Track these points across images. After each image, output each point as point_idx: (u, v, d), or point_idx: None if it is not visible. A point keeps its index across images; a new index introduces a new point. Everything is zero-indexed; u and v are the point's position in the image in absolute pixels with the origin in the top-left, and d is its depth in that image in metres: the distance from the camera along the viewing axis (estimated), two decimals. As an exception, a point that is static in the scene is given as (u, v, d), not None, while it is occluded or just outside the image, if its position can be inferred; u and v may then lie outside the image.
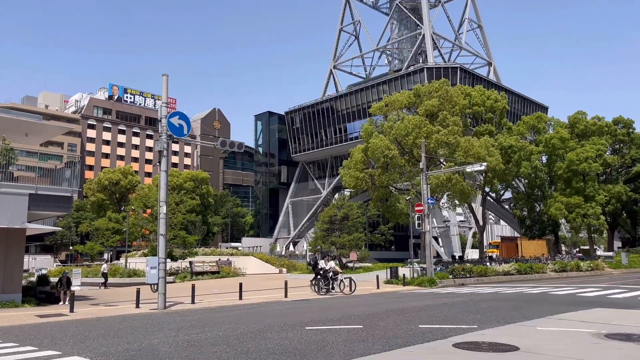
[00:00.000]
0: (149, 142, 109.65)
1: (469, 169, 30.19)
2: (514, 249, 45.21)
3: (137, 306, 17.63)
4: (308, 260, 39.52)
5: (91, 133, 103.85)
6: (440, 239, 70.69)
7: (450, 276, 28.47)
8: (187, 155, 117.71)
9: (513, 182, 52.06)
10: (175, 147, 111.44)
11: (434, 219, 47.74)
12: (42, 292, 23.53)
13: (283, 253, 73.70)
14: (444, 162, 37.74)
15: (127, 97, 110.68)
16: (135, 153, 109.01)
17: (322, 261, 23.39)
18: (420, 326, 11.07)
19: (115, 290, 31.36)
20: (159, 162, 18.63)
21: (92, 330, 12.07)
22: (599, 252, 53.71)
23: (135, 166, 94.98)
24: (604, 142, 48.11)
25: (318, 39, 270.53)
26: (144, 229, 59.80)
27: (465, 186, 37.36)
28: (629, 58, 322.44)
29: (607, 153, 50.19)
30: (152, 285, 22.62)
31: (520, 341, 8.86)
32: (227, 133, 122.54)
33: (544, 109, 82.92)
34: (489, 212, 69.57)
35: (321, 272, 22.52)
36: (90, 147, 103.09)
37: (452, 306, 15.34)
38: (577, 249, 65.19)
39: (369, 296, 20.97)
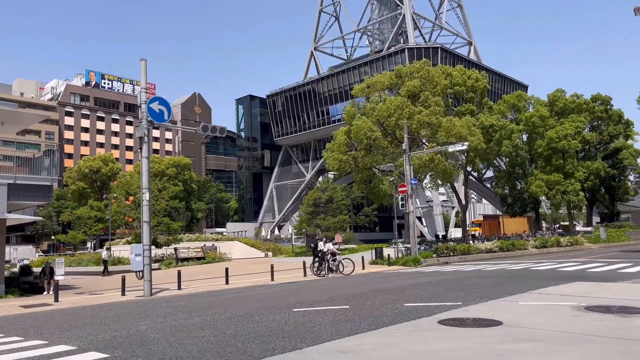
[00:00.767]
0: (129, 129, 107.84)
1: (451, 149, 30.44)
2: (496, 227, 45.91)
3: (123, 294, 17.58)
4: (308, 243, 39.89)
5: (69, 120, 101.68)
6: (423, 219, 71.45)
7: (434, 255, 28.88)
8: (168, 141, 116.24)
9: (494, 161, 52.68)
10: (156, 133, 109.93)
11: (417, 200, 48.14)
12: (25, 283, 23.33)
13: (268, 237, 73.83)
14: (427, 143, 37.93)
15: (104, 83, 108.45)
16: (115, 140, 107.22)
17: (321, 243, 23.83)
18: (405, 305, 11.24)
19: (100, 278, 31.13)
20: (140, 148, 18.43)
21: (78, 319, 12.01)
22: (579, 228, 54.85)
23: (115, 153, 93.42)
24: (582, 120, 48.90)
25: (298, 21, 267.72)
26: (127, 216, 59.39)
27: (448, 166, 37.72)
28: (607, 32, 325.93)
29: (586, 130, 51.02)
30: (138, 273, 22.60)
31: (503, 316, 9.06)
32: (208, 118, 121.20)
33: (524, 87, 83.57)
34: (471, 191, 70.40)
35: (319, 254, 22.89)
36: (68, 134, 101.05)
37: (436, 284, 15.58)
38: (557, 225, 66.49)
39: (355, 277, 21.20)
